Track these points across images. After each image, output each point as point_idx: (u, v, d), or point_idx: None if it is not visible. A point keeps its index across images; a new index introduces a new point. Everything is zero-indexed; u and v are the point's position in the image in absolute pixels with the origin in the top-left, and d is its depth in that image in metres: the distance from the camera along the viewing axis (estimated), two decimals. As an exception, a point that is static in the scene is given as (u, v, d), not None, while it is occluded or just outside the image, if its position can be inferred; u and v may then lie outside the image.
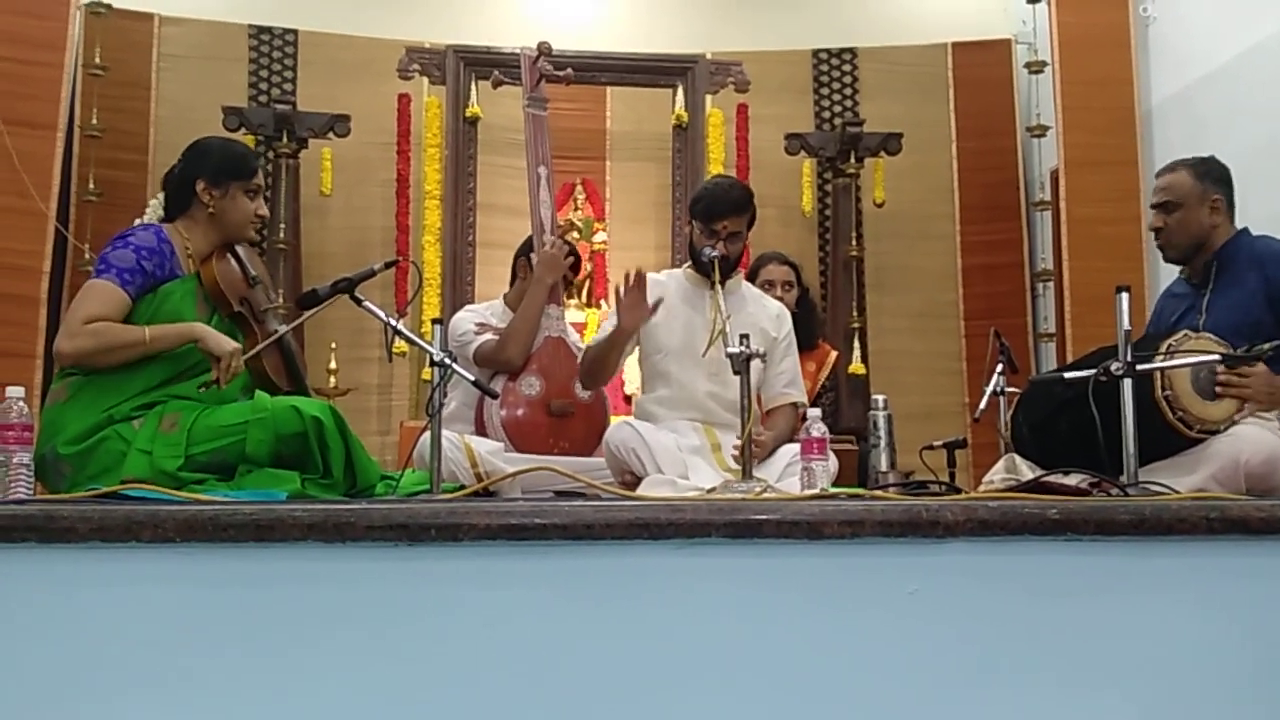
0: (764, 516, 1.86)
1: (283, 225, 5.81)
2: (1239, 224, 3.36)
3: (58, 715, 1.75)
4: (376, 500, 2.66)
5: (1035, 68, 6.30)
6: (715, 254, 3.56)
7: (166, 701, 1.76)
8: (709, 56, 6.28)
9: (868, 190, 6.42)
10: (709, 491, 2.87)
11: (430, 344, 2.88)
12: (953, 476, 4.16)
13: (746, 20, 6.76)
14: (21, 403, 2.45)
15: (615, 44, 6.38)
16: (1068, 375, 2.80)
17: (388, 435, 6.06)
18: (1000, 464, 3.15)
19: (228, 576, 1.79)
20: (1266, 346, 2.73)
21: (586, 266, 4.95)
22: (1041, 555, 1.89)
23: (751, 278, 4.51)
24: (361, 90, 6.24)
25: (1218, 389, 2.84)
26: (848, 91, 6.73)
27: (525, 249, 4.25)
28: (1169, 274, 3.63)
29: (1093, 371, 2.62)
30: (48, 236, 5.35)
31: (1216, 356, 2.77)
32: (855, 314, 6.19)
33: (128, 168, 5.96)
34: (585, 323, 5.82)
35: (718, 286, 3.46)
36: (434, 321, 2.99)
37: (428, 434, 2.86)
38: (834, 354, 4.87)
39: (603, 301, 6.16)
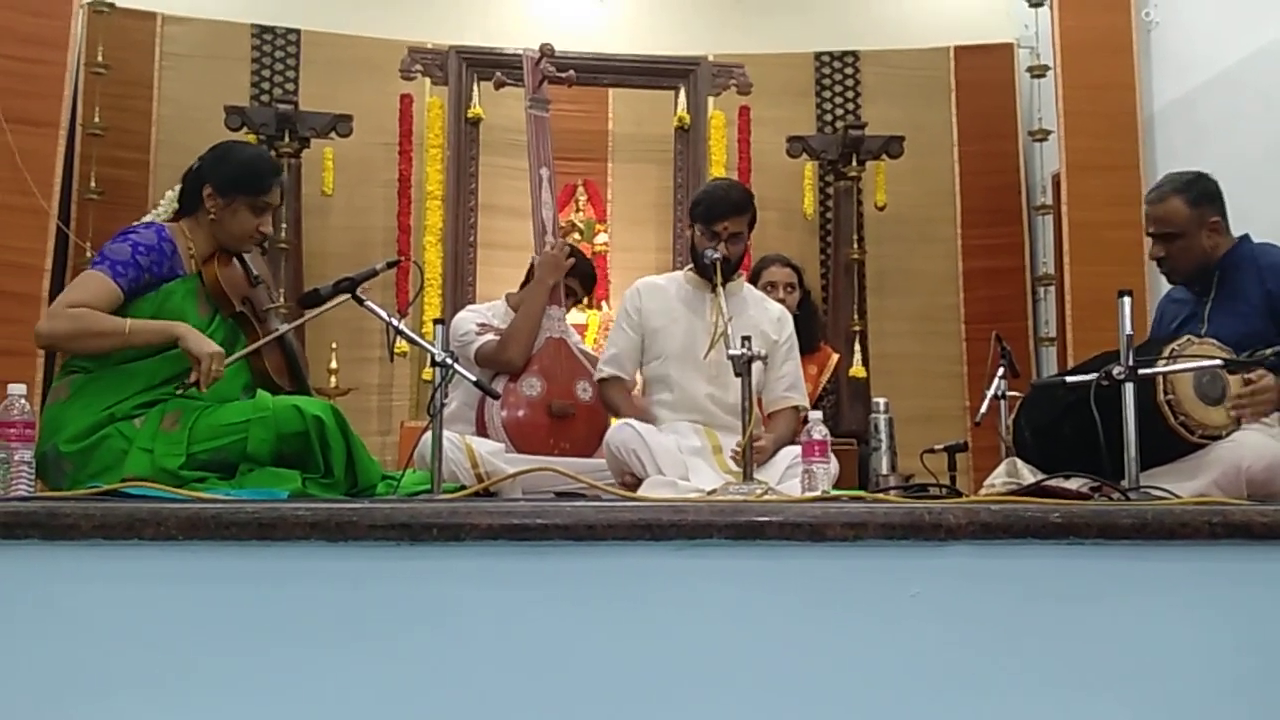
0: (766, 518, 1.86)
1: (284, 225, 5.81)
2: (1241, 229, 3.35)
3: (60, 712, 1.75)
4: (378, 500, 2.67)
5: (1037, 72, 6.31)
6: (717, 256, 3.57)
7: (168, 699, 1.75)
8: (711, 59, 6.29)
9: (869, 193, 6.42)
10: (710, 493, 2.87)
11: (431, 344, 2.88)
12: (953, 480, 4.16)
13: (749, 23, 6.76)
14: (23, 400, 2.45)
15: (618, 46, 6.38)
16: (1069, 379, 2.80)
17: (388, 435, 6.06)
18: (1001, 468, 3.14)
19: (230, 575, 1.79)
20: (1268, 352, 2.73)
21: (607, 308, 4.93)
22: (1043, 559, 1.89)
23: (753, 280, 4.51)
24: (364, 90, 6.24)
25: (1232, 411, 2.84)
26: (849, 94, 6.73)
27: None
28: (1170, 280, 3.63)
29: (1094, 376, 2.62)
30: (49, 234, 5.35)
31: (1219, 361, 2.77)
32: (856, 317, 6.18)
33: (129, 166, 5.96)
34: (586, 324, 5.82)
35: (719, 289, 3.46)
36: (435, 322, 2.99)
37: (429, 434, 2.86)
38: (835, 357, 4.88)
39: (604, 303, 6.17)
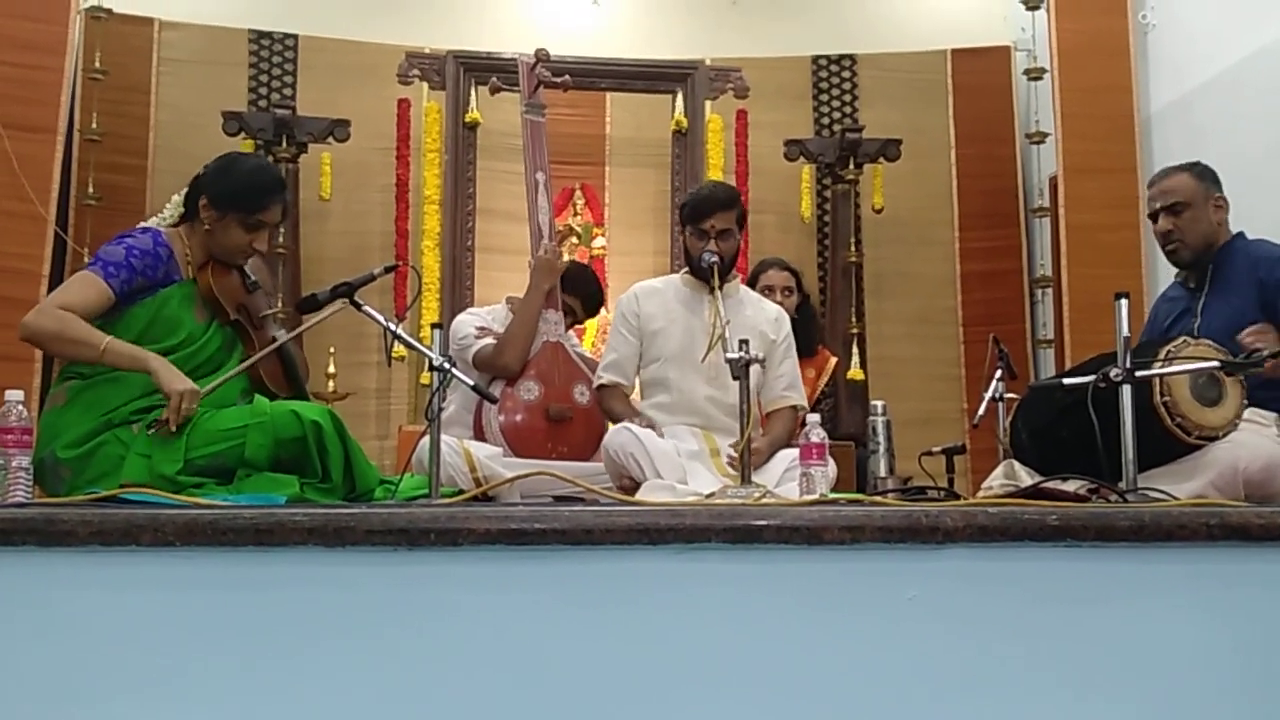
0: (764, 522, 1.86)
1: (282, 231, 5.81)
2: (1237, 228, 3.36)
3: (57, 718, 1.75)
4: (376, 505, 2.67)
5: (1034, 74, 6.31)
6: (714, 258, 3.57)
7: (166, 705, 1.75)
8: (708, 62, 6.29)
9: (867, 196, 6.42)
10: (708, 496, 2.87)
11: (429, 349, 2.88)
12: (951, 482, 4.17)
13: (746, 26, 6.77)
14: (21, 406, 2.45)
15: (616, 50, 6.39)
16: (1067, 381, 2.80)
17: (386, 440, 6.06)
18: (999, 470, 3.15)
19: (227, 580, 1.79)
20: (1266, 352, 2.73)
21: (605, 312, 4.92)
22: (1041, 561, 1.89)
23: (751, 283, 4.52)
24: (361, 95, 6.24)
25: (1248, 339, 2.87)
26: (847, 98, 6.74)
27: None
28: (1168, 280, 3.64)
29: (1092, 378, 2.62)
30: (47, 240, 5.36)
31: (1215, 363, 2.77)
32: (854, 320, 6.19)
33: (127, 172, 5.96)
34: (584, 328, 5.81)
35: (717, 291, 3.47)
36: (433, 326, 2.98)
37: (426, 438, 2.85)
38: (834, 360, 4.88)
39: (602, 308, 6.16)
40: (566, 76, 4.51)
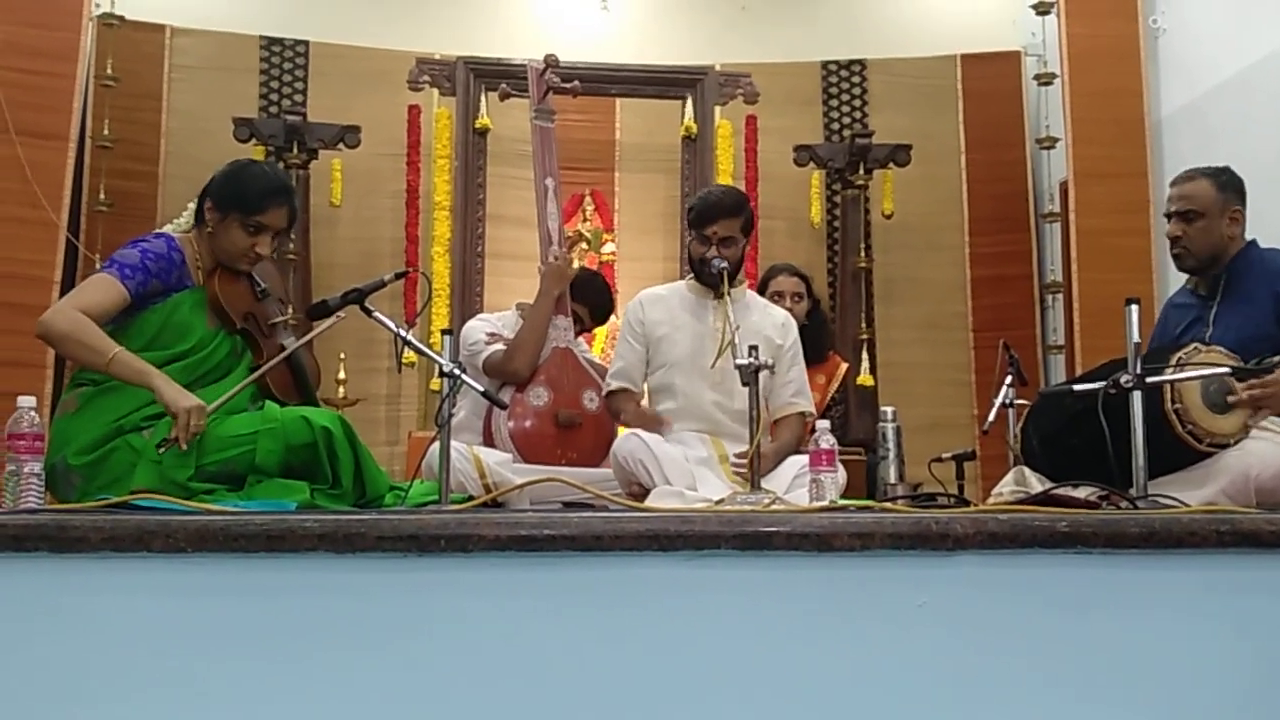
0: (774, 529, 1.86)
1: (292, 236, 5.82)
2: (1251, 235, 3.35)
3: (68, 725, 1.76)
4: (386, 511, 2.67)
5: (1044, 79, 6.30)
6: (723, 264, 3.57)
7: (177, 710, 1.76)
8: (718, 68, 6.28)
9: (876, 202, 6.40)
10: (717, 503, 2.87)
11: (439, 355, 2.88)
12: (961, 489, 4.15)
13: (755, 32, 6.76)
14: (33, 412, 2.46)
15: (625, 55, 6.39)
16: (1077, 388, 2.80)
17: (396, 446, 6.05)
18: (1009, 476, 3.14)
19: (238, 586, 1.80)
20: (1277, 359, 2.72)
21: (614, 319, 4.93)
22: (1051, 568, 1.89)
23: (761, 289, 4.51)
24: (372, 101, 6.25)
25: (1229, 399, 2.83)
26: (856, 103, 6.73)
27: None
28: (1178, 286, 3.63)
29: (1102, 384, 2.62)
30: (58, 247, 5.37)
31: (1227, 370, 2.76)
32: (864, 325, 6.17)
33: (138, 178, 5.97)
34: (593, 334, 5.82)
35: (727, 297, 3.47)
36: (443, 332, 2.99)
37: (436, 444, 2.86)
38: (844, 366, 4.87)
39: (611, 316, 6.17)
40: (576, 82, 4.52)
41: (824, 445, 2.73)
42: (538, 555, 1.82)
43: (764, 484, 2.96)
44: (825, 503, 2.66)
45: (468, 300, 5.93)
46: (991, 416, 3.77)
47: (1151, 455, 2.52)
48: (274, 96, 6.29)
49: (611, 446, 3.61)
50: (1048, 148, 6.35)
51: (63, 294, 5.22)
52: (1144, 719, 1.86)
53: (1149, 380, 2.57)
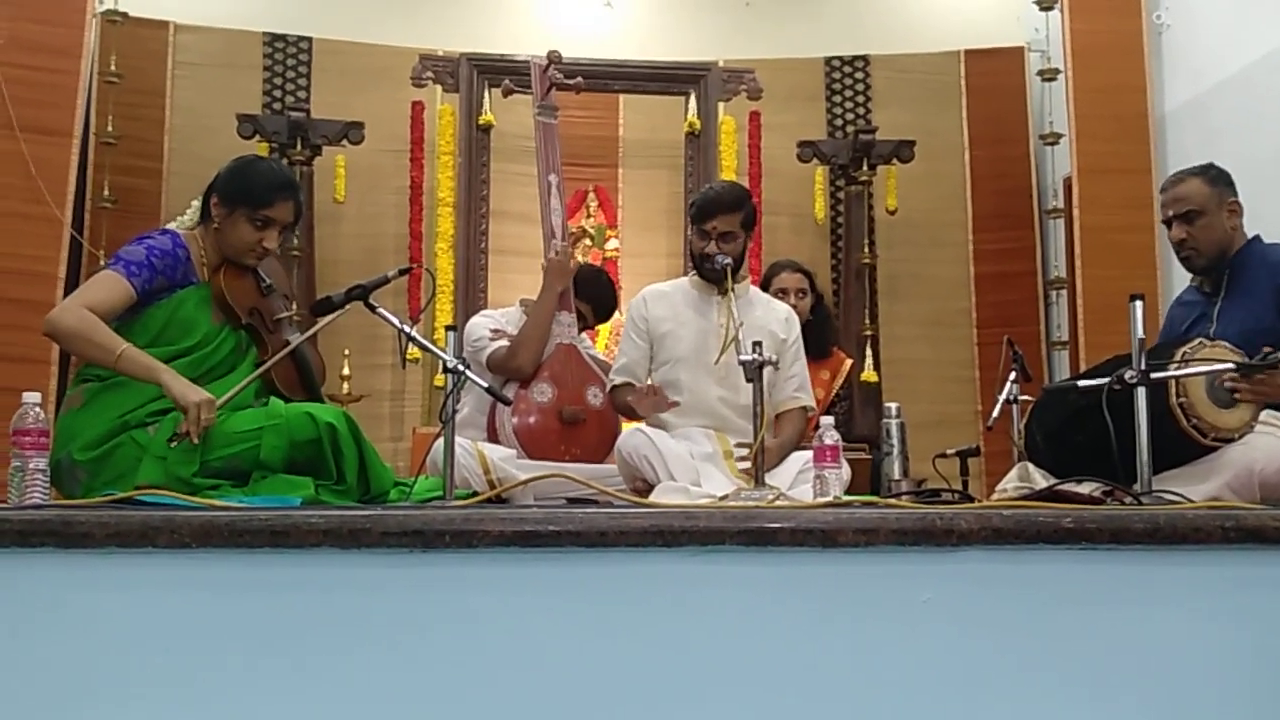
0: (778, 524, 1.86)
1: (297, 233, 5.82)
2: (1254, 231, 3.35)
3: (75, 719, 1.76)
4: (390, 507, 2.67)
5: (1048, 75, 6.29)
6: (727, 261, 3.58)
7: (182, 706, 1.76)
8: (721, 64, 6.29)
9: (880, 198, 6.41)
10: (722, 499, 2.87)
11: (443, 351, 2.88)
12: (965, 485, 4.16)
13: (759, 28, 6.76)
14: (38, 408, 2.47)
15: (629, 51, 6.39)
16: (1081, 384, 2.79)
17: (401, 441, 6.06)
18: (1013, 472, 3.14)
19: (243, 582, 1.80)
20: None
21: (618, 315, 4.92)
22: (1055, 564, 1.89)
23: (765, 285, 4.51)
24: (375, 97, 6.25)
25: (1236, 395, 2.83)
26: (860, 99, 6.72)
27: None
28: (1182, 282, 3.62)
29: (1107, 380, 2.62)
30: (63, 243, 5.38)
31: (1231, 365, 2.76)
32: (868, 322, 6.17)
33: (142, 175, 5.98)
34: (596, 330, 5.82)
35: (731, 293, 3.47)
36: (447, 328, 2.99)
37: (441, 440, 2.86)
38: (849, 362, 4.86)
39: (615, 311, 6.17)
40: (579, 78, 4.52)
41: (828, 441, 2.73)
42: (542, 551, 1.82)
43: (768, 480, 2.96)
44: (829, 499, 2.66)
45: (471, 296, 5.94)
46: (995, 413, 3.77)
47: (1156, 450, 2.52)
48: (277, 93, 6.30)
49: (615, 442, 3.61)
50: (1051, 143, 6.34)
51: (67, 290, 5.24)
52: (1148, 714, 1.86)
53: (1153, 375, 2.56)
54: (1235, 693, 1.88)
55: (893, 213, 6.39)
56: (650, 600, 1.84)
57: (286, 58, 6.36)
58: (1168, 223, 3.36)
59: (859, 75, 6.74)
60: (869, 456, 4.33)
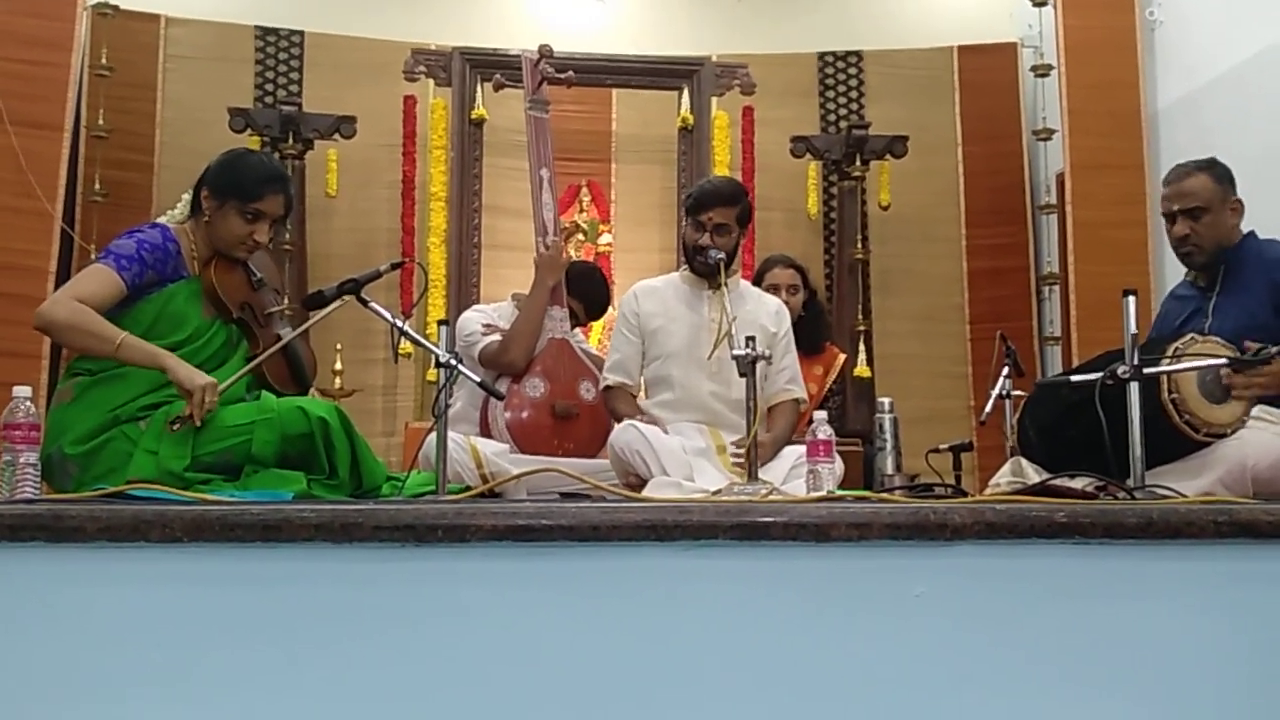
0: (772, 519, 1.86)
1: (288, 227, 5.81)
2: (1247, 228, 3.35)
3: (66, 714, 1.75)
4: (383, 501, 2.67)
5: (1041, 71, 6.30)
6: (720, 255, 3.58)
7: (174, 701, 1.75)
8: (715, 59, 6.29)
9: (873, 193, 6.41)
10: (715, 493, 2.87)
11: (435, 345, 2.88)
12: (958, 480, 4.16)
13: (752, 23, 6.76)
14: (28, 402, 2.46)
15: (622, 46, 6.39)
16: (1074, 379, 2.79)
17: (393, 436, 6.06)
18: (1006, 467, 3.14)
19: (235, 576, 1.79)
20: (1275, 350, 2.72)
21: (611, 310, 4.92)
22: (1049, 558, 1.89)
23: (757, 281, 4.51)
24: (367, 92, 6.24)
25: (1234, 393, 2.83)
26: (853, 94, 6.73)
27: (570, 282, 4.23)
28: (1175, 277, 3.63)
29: (1099, 375, 2.61)
30: (53, 237, 5.36)
31: (1223, 360, 2.76)
32: (860, 317, 6.18)
33: (133, 168, 5.97)
34: (589, 325, 5.81)
35: (724, 288, 3.47)
36: (439, 323, 2.98)
37: (433, 435, 2.86)
38: (841, 357, 4.86)
39: (609, 308, 6.17)
40: (570, 72, 4.51)
41: (821, 436, 2.73)
42: (535, 545, 1.82)
43: (761, 474, 2.96)
44: (823, 493, 2.66)
45: (464, 291, 5.93)
46: (988, 408, 3.76)
47: (1148, 445, 2.52)
48: (269, 87, 6.28)
49: (608, 437, 3.61)
50: (1044, 139, 6.35)
51: (58, 284, 5.22)
52: (1141, 708, 1.86)
53: (1145, 371, 2.56)
54: (1228, 687, 1.88)
55: (886, 208, 6.39)
56: (643, 595, 1.83)
57: (278, 51, 6.35)
58: (1170, 216, 3.35)
59: (852, 71, 6.75)
60: (862, 451, 4.34)
